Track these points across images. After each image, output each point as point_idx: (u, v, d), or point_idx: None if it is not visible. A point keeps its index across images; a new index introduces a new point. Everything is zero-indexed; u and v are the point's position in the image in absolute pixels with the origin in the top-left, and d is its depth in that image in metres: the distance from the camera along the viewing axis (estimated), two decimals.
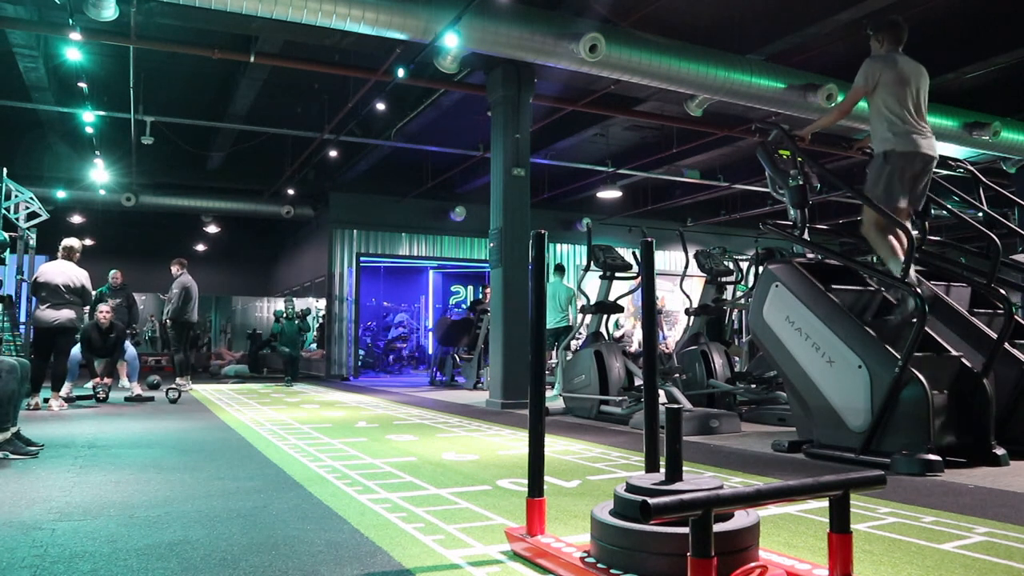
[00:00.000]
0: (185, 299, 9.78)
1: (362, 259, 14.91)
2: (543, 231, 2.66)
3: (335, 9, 6.22)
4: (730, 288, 8.30)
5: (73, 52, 8.02)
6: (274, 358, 15.06)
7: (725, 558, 1.83)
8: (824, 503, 2.88)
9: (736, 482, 3.68)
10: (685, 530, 1.74)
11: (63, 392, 7.79)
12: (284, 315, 12.20)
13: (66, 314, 7.11)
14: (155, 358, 15.66)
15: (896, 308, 4.59)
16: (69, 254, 7.32)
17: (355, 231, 14.74)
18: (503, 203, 7.99)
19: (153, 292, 16.41)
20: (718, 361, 7.08)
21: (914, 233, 4.47)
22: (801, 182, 4.95)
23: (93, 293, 7.63)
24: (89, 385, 8.32)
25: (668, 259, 17.05)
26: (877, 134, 4.61)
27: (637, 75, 7.52)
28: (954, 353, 4.36)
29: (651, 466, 2.47)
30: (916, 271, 4.61)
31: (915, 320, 4.10)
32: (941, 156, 4.73)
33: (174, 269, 10.04)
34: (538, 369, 2.58)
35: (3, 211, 7.90)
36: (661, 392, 5.52)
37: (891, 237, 4.57)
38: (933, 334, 4.47)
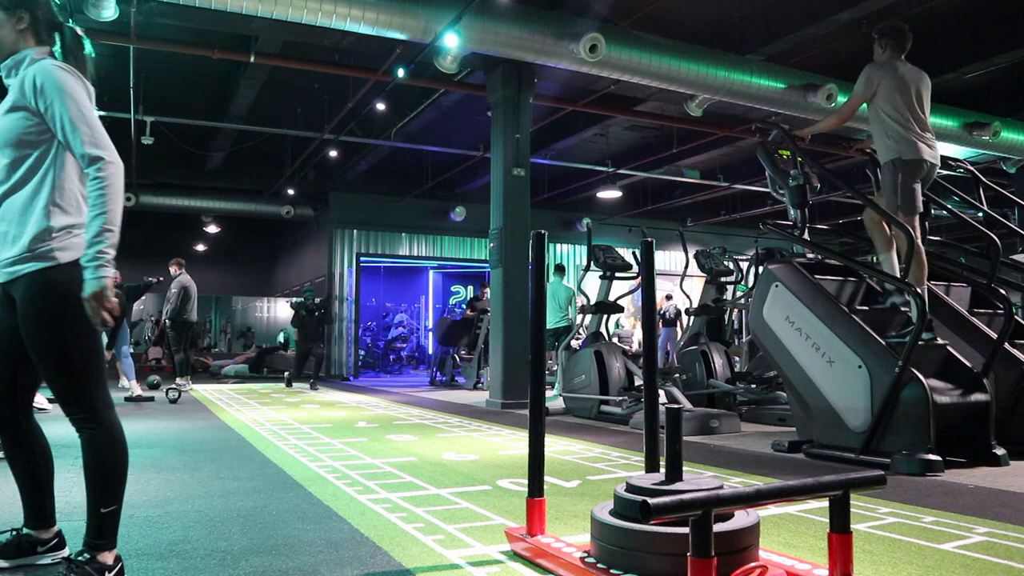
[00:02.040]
0: (184, 299, 9.79)
1: (362, 259, 14.92)
2: (543, 231, 2.66)
3: (335, 9, 6.22)
4: (730, 288, 8.30)
5: None
6: (278, 359, 14.99)
7: (725, 558, 1.83)
8: (824, 503, 2.88)
9: (736, 482, 3.68)
10: (685, 530, 1.74)
11: None
12: (304, 307, 11.17)
13: None
14: (155, 357, 15.65)
15: (881, 296, 4.64)
16: None
17: (355, 231, 14.74)
18: (503, 203, 7.99)
19: (151, 292, 16.38)
20: (718, 361, 7.08)
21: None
22: (801, 182, 4.96)
23: None
24: None
25: (668, 259, 17.05)
26: (879, 142, 4.59)
27: (637, 75, 7.52)
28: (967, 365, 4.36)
29: (651, 466, 2.47)
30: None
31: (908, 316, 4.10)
32: (941, 156, 4.73)
33: (172, 269, 10.05)
34: (538, 369, 2.58)
35: None
36: (661, 392, 5.52)
37: (890, 236, 4.60)
38: (952, 350, 4.49)
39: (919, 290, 4.25)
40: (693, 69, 7.60)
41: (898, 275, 4.51)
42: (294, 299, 11.60)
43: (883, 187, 4.62)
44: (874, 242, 4.75)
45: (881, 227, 4.67)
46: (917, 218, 4.52)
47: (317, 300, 11.62)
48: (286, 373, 11.27)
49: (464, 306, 15.94)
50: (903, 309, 4.66)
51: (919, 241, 4.37)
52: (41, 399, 7.24)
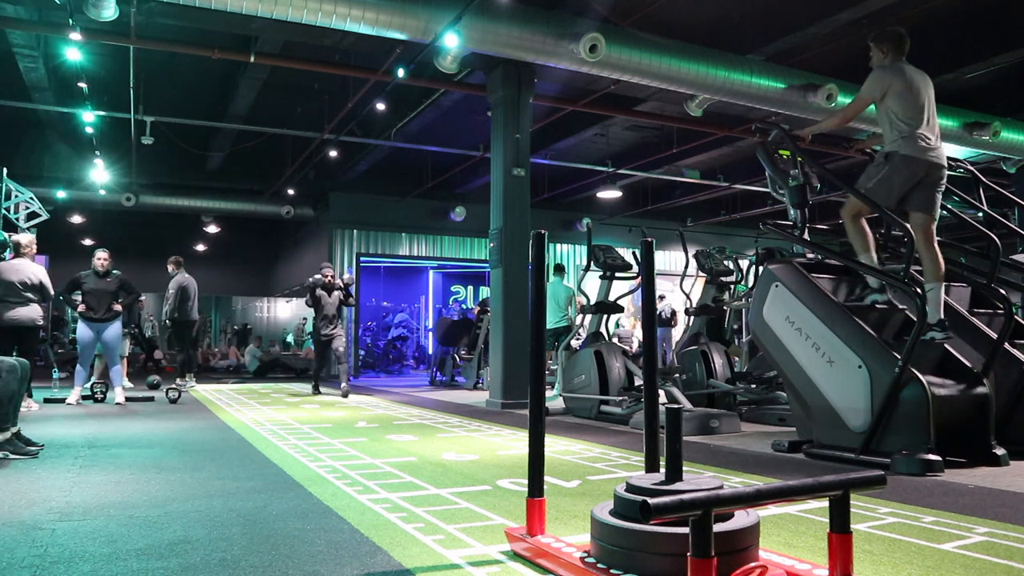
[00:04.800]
0: (183, 298, 9.73)
1: (362, 259, 14.92)
2: (543, 231, 2.66)
3: (335, 9, 6.22)
4: (730, 288, 8.30)
5: (73, 52, 8.01)
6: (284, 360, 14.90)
7: (725, 558, 1.83)
8: (824, 503, 2.88)
9: (736, 482, 3.68)
10: (685, 530, 1.75)
11: (72, 399, 7.75)
12: (320, 283, 9.47)
13: (26, 313, 6.68)
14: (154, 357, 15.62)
15: (867, 289, 4.66)
16: (18, 251, 6.89)
17: (355, 231, 14.75)
18: (503, 203, 7.99)
19: (152, 292, 16.39)
20: (718, 361, 7.08)
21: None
22: (801, 182, 4.96)
23: (52, 290, 7.11)
24: (88, 385, 8.28)
25: (668, 259, 17.05)
26: (886, 134, 4.62)
27: (637, 75, 7.52)
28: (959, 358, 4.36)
29: (651, 466, 2.47)
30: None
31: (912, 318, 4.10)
32: None
33: (170, 268, 9.97)
34: (538, 369, 2.58)
35: (3, 211, 7.89)
36: (661, 392, 5.52)
37: (865, 228, 4.65)
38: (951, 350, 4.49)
39: (919, 289, 4.25)
40: (693, 69, 7.60)
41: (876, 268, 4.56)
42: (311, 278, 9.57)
43: (865, 171, 4.64)
44: (854, 244, 4.73)
45: (860, 227, 4.67)
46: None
47: (344, 278, 10.09)
48: (312, 385, 9.84)
49: (464, 306, 15.96)
50: (899, 306, 4.68)
51: (905, 226, 4.38)
52: (29, 401, 7.20)
